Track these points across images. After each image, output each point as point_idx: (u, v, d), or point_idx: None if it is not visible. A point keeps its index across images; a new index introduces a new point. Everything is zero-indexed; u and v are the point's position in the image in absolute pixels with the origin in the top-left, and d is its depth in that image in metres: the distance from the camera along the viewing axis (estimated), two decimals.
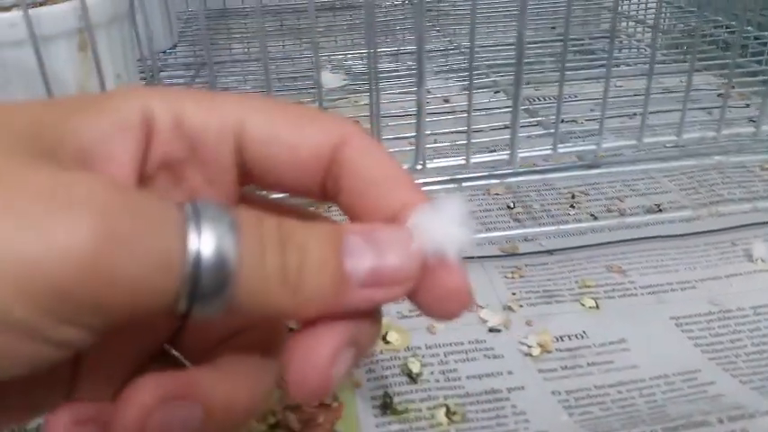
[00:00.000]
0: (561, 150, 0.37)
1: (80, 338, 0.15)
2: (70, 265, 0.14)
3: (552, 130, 0.39)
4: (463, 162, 0.36)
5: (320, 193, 0.22)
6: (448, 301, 0.19)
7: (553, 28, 0.69)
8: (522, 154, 0.36)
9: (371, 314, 0.19)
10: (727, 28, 0.65)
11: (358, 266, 0.17)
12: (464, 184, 0.37)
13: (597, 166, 0.38)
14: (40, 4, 0.42)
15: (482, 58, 0.61)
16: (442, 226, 0.18)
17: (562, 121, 0.39)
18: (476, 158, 0.36)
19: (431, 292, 0.18)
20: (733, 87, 0.59)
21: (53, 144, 0.17)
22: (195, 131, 0.20)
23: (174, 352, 0.23)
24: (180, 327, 0.22)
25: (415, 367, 0.33)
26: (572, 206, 0.47)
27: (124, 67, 0.49)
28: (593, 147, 0.37)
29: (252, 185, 0.22)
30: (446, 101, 0.59)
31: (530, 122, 0.48)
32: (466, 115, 0.36)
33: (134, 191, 0.16)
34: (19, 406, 0.20)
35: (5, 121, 0.17)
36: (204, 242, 0.16)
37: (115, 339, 0.18)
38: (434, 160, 0.38)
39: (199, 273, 0.15)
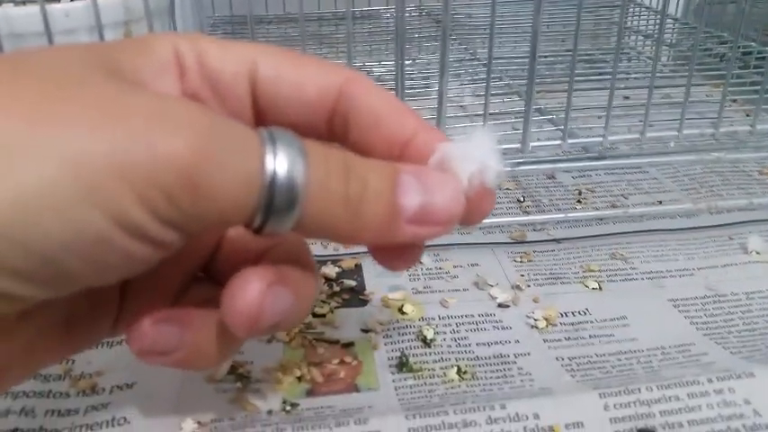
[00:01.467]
0: (570, 142, 0.40)
1: (175, 241, 0.18)
2: (174, 172, 0.16)
3: (562, 126, 0.42)
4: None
5: (328, 132, 0.24)
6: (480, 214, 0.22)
7: (564, 41, 0.72)
8: (534, 143, 0.39)
9: (306, 264, 0.22)
10: (728, 43, 0.68)
11: (409, 203, 0.20)
12: None
13: (603, 158, 0.41)
14: None
15: (497, 63, 0.64)
16: (476, 158, 0.20)
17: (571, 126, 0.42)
18: None
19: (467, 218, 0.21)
20: (734, 101, 0.62)
21: (125, 76, 0.20)
22: (215, 71, 0.22)
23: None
24: (213, 253, 0.25)
25: (429, 333, 0.36)
26: (579, 201, 0.49)
27: None
28: (599, 138, 0.40)
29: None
30: (461, 107, 0.62)
31: (541, 119, 0.51)
32: (481, 117, 0.39)
33: (223, 117, 0.18)
34: (70, 338, 0.23)
35: (78, 56, 0.19)
36: (279, 164, 0.18)
37: (163, 265, 0.21)
38: None
39: (273, 190, 0.18)
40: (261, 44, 0.23)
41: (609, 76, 0.64)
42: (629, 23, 0.76)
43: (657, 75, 0.39)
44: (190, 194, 0.17)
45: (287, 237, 0.20)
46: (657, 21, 0.75)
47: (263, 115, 0.23)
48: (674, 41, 0.73)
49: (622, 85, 0.62)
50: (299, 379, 0.33)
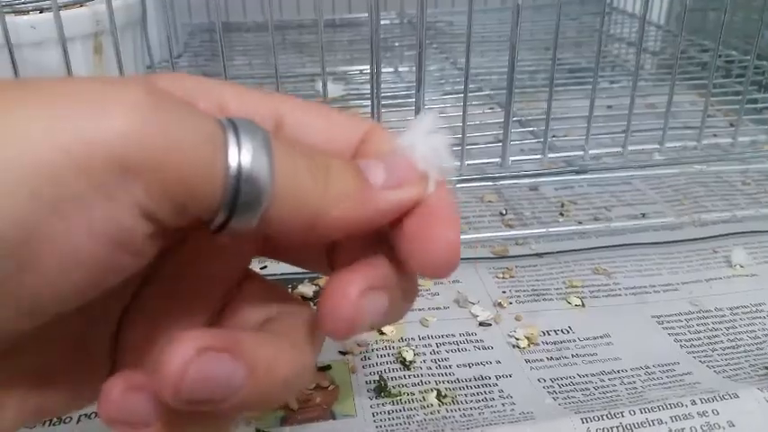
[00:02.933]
0: (550, 156, 0.39)
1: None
2: (100, 157, 0.15)
3: (542, 138, 0.41)
4: (458, 164, 0.38)
5: None
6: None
7: (547, 49, 0.72)
8: (514, 158, 0.39)
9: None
10: (710, 51, 0.68)
11: (376, 174, 0.19)
12: (458, 186, 0.39)
13: (584, 172, 0.40)
14: (60, 8, 0.44)
15: (478, 73, 0.64)
16: (426, 140, 0.20)
17: (553, 136, 0.41)
18: (470, 162, 0.38)
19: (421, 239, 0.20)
20: (721, 110, 0.62)
21: None
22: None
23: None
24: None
25: (408, 355, 0.35)
26: (561, 214, 0.49)
27: (135, 71, 0.52)
28: (580, 153, 0.39)
29: None
30: (443, 118, 0.62)
31: (522, 131, 0.50)
32: (461, 125, 0.39)
33: (179, 100, 0.17)
34: (65, 391, 0.21)
35: None
36: (244, 154, 0.16)
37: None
38: None
39: (239, 183, 0.16)
40: (281, 94, 0.22)
41: (587, 87, 0.63)
42: (611, 31, 0.76)
43: (642, 82, 0.39)
44: (118, 179, 0.15)
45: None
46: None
47: None
48: (657, 49, 0.72)
49: (604, 95, 0.61)
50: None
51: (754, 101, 0.57)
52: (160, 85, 0.20)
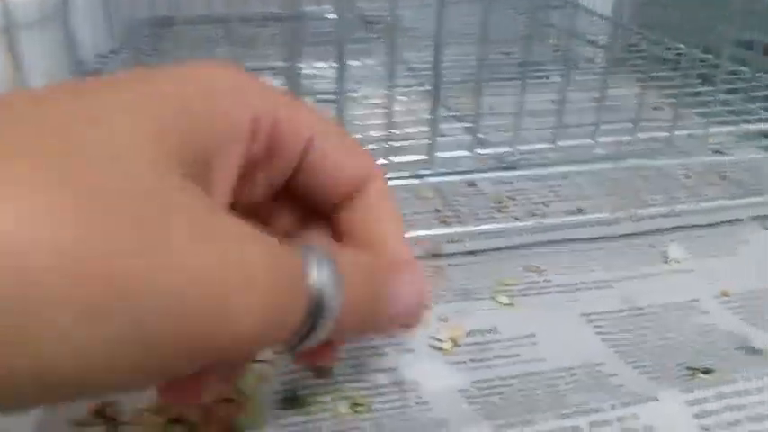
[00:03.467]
0: (479, 152, 0.37)
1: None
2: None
3: (474, 135, 0.39)
4: (385, 162, 0.36)
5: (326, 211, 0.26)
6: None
7: (493, 42, 0.70)
8: (443, 155, 0.37)
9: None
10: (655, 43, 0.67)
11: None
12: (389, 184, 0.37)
13: (514, 168, 0.38)
14: None
15: (423, 68, 0.62)
16: None
17: (486, 133, 0.40)
18: (397, 159, 0.37)
19: None
20: (671, 104, 0.61)
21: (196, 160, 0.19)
22: (281, 136, 0.23)
23: None
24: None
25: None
26: (499, 210, 0.47)
27: (58, 67, 0.49)
28: (509, 149, 0.38)
29: None
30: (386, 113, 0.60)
31: (459, 126, 0.49)
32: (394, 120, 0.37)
33: (273, 244, 0.19)
34: None
35: (145, 140, 0.17)
36: (320, 281, 0.20)
37: None
38: None
39: (321, 307, 0.20)
40: (322, 115, 0.24)
41: (536, 80, 0.62)
42: (564, 25, 0.75)
43: (593, 76, 0.37)
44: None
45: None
46: (591, 22, 0.74)
47: (294, 178, 0.24)
48: (605, 42, 0.72)
49: (549, 90, 0.60)
50: (174, 420, 0.30)
51: (698, 93, 0.56)
52: (230, 111, 0.21)
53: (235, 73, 0.22)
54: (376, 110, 0.58)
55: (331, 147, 0.24)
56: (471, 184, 0.51)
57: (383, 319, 0.24)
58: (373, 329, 0.26)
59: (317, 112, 0.24)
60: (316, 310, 0.20)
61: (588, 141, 0.39)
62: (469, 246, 0.43)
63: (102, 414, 0.29)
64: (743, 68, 0.57)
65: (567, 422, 0.27)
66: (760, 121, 0.47)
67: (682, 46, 0.65)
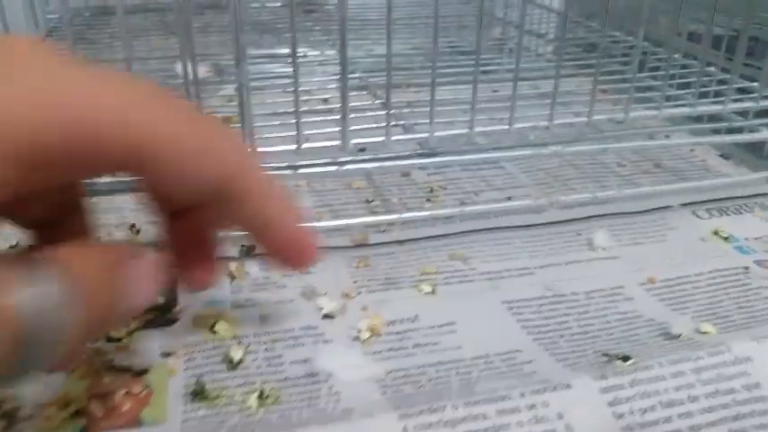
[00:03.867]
0: (393, 139, 0.37)
1: None
2: None
3: (403, 122, 0.39)
4: (294, 148, 0.35)
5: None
6: None
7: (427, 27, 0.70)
8: (357, 140, 0.36)
9: None
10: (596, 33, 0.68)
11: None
12: (300, 171, 0.37)
13: (435, 155, 0.38)
14: None
15: (357, 58, 0.62)
16: None
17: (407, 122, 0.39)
18: (308, 145, 0.36)
19: None
20: (604, 91, 0.61)
21: None
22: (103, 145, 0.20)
23: None
24: None
25: (236, 354, 0.32)
26: (429, 200, 0.47)
27: None
28: (425, 135, 0.37)
29: None
30: (324, 101, 0.59)
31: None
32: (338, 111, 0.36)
33: None
34: None
35: None
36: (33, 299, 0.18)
37: None
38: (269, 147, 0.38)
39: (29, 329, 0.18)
40: (177, 116, 0.22)
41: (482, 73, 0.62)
42: (507, 17, 0.75)
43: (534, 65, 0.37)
44: None
45: None
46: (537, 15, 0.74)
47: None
48: (545, 32, 0.72)
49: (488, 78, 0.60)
50: (76, 414, 0.28)
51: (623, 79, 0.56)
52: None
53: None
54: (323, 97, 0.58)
55: (172, 155, 0.21)
56: (405, 173, 0.50)
57: (120, 313, 0.23)
58: (111, 324, 0.26)
59: (176, 113, 0.22)
60: (27, 338, 0.18)
61: (504, 127, 0.39)
62: (397, 235, 0.43)
63: (1, 410, 0.28)
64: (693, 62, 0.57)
65: (475, 409, 0.27)
66: (689, 105, 0.47)
67: (617, 34, 0.66)
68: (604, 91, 0.63)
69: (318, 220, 0.42)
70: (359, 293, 0.37)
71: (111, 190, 0.33)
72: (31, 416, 0.28)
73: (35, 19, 0.63)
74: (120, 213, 0.44)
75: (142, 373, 0.31)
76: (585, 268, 0.40)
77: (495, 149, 0.39)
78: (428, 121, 0.38)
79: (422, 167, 0.50)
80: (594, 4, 0.71)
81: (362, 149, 0.41)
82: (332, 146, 0.36)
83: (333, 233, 0.42)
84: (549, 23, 0.74)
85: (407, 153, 0.38)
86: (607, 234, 0.43)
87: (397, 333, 0.34)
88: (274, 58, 0.66)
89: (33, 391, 0.29)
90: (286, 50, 0.66)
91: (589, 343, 0.33)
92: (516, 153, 0.39)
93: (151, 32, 0.71)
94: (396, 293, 0.37)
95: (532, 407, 0.28)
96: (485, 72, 0.62)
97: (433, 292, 0.37)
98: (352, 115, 0.36)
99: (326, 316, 0.35)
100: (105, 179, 0.34)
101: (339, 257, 0.40)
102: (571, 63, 0.62)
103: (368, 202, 0.47)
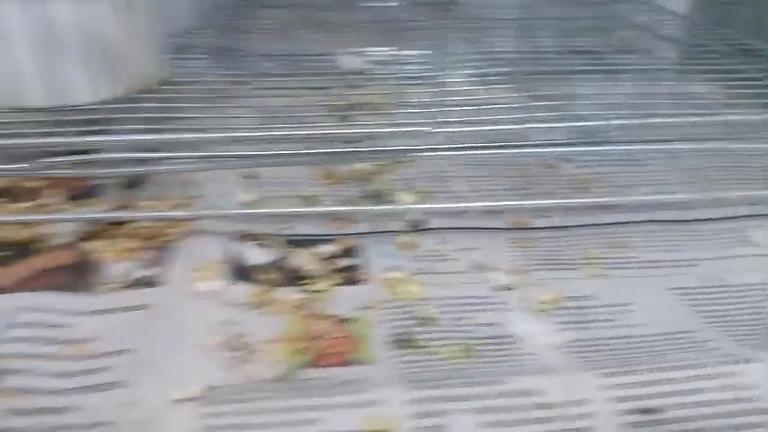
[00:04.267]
0: (563, 125, 0.39)
1: None
2: None
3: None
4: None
5: None
6: None
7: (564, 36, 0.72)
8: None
9: None
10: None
11: None
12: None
13: (598, 143, 0.40)
14: None
15: (500, 52, 0.64)
16: None
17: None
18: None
19: None
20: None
21: None
22: None
23: None
24: None
25: (429, 313, 0.35)
26: (584, 189, 0.49)
27: (153, 36, 0.51)
28: (600, 123, 0.40)
29: None
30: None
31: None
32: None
33: None
34: None
35: None
36: None
37: None
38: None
39: None
40: None
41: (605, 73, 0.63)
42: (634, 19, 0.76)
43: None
44: None
45: None
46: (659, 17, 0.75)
47: None
48: (674, 37, 0.72)
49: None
50: (299, 351, 0.32)
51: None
52: None
53: None
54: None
55: None
56: (552, 166, 0.52)
57: None
58: None
59: None
60: None
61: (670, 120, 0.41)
62: (559, 221, 0.45)
63: (235, 342, 0.32)
64: None
65: (668, 375, 0.29)
66: None
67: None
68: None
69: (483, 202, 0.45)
70: (528, 271, 0.39)
71: None
72: (261, 350, 0.32)
73: (198, 8, 0.68)
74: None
75: (345, 321, 0.34)
76: (749, 262, 0.41)
77: (663, 141, 0.41)
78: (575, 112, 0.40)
79: (568, 160, 0.52)
80: (721, 10, 0.72)
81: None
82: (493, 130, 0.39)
83: (494, 216, 0.45)
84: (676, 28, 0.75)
85: (567, 140, 0.41)
86: (765, 232, 0.44)
87: (575, 308, 0.36)
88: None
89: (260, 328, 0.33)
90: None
91: (761, 328, 0.35)
92: (677, 146, 0.41)
93: (298, 27, 0.75)
94: (566, 273, 0.39)
95: (723, 375, 0.29)
96: (614, 71, 0.64)
97: (601, 275, 0.39)
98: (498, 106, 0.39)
99: (502, 287, 0.38)
100: None
101: (502, 238, 0.43)
102: (698, 67, 0.63)
103: (524, 189, 0.49)
